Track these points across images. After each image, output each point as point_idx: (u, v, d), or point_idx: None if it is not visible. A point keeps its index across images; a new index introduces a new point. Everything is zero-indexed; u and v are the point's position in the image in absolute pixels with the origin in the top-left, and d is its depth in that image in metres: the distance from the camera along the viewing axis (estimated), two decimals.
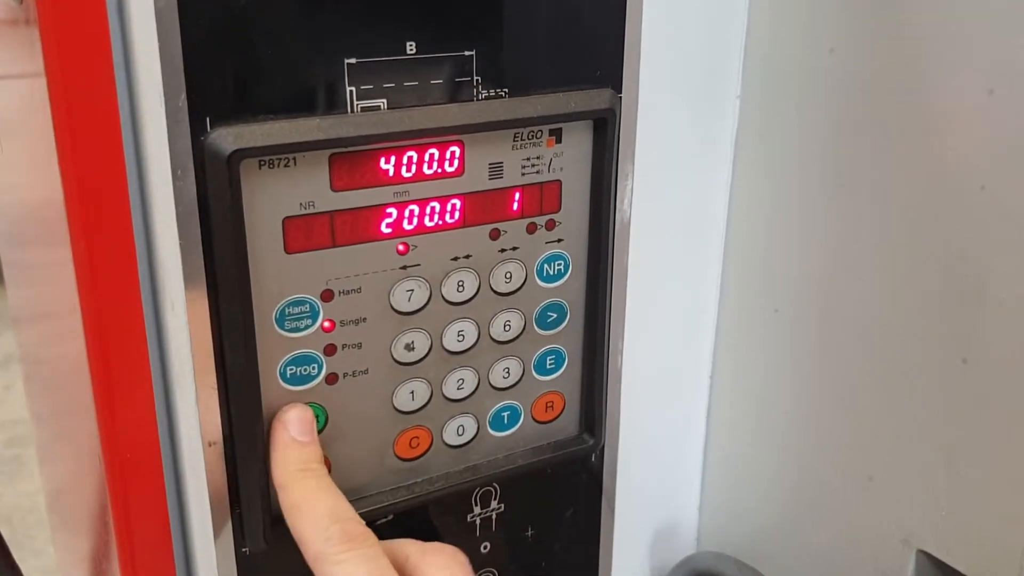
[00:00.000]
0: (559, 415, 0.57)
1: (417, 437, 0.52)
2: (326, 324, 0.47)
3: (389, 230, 0.48)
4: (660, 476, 0.64)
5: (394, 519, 0.53)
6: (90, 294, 0.42)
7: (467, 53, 0.47)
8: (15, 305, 0.84)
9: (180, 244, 0.43)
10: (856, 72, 0.49)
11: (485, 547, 0.57)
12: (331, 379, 0.49)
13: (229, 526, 0.48)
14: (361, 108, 0.45)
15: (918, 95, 0.46)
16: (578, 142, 0.52)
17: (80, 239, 0.41)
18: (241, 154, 0.42)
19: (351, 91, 0.44)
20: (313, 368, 0.48)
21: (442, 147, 0.48)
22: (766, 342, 0.58)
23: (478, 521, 0.56)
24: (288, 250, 0.45)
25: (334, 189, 0.46)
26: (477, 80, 0.47)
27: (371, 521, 0.52)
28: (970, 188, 0.44)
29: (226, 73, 0.41)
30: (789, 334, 0.56)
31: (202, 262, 0.43)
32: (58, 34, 0.39)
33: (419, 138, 0.46)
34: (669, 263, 0.59)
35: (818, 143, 0.52)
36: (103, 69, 0.40)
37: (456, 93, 0.47)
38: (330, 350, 0.48)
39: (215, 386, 0.45)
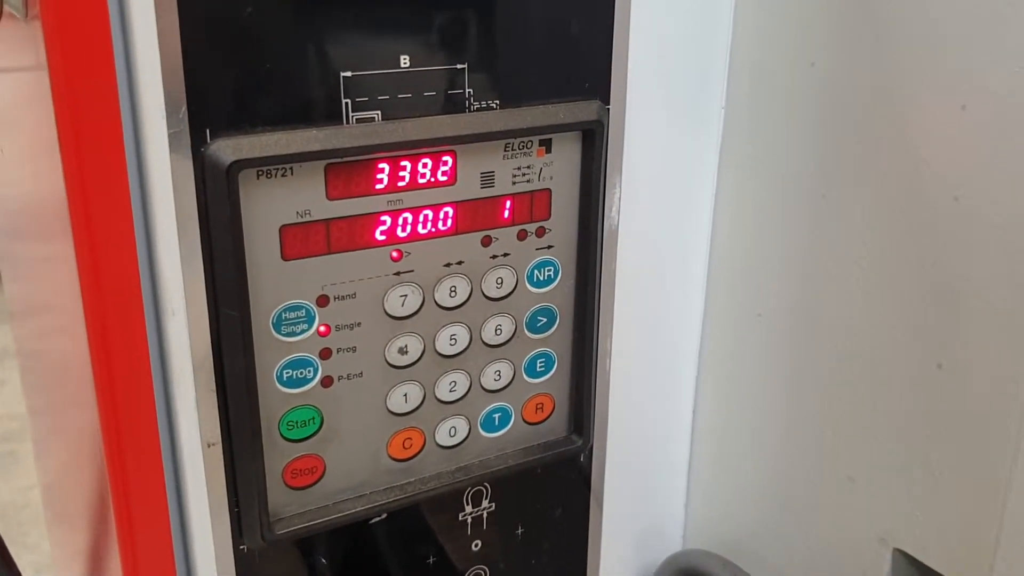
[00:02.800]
0: (549, 416, 0.58)
1: (410, 438, 0.54)
2: (322, 329, 0.49)
3: (383, 237, 0.49)
4: (646, 475, 0.66)
5: (387, 518, 0.54)
6: (93, 301, 0.44)
7: (459, 66, 0.48)
8: (12, 299, 0.85)
9: (180, 252, 0.44)
10: (836, 85, 0.50)
11: (476, 545, 0.59)
12: (326, 382, 0.50)
13: (228, 524, 0.49)
14: (356, 119, 0.46)
15: (895, 109, 0.47)
16: (568, 152, 0.53)
17: (84, 249, 0.43)
18: (240, 165, 0.43)
19: (347, 103, 0.46)
20: (309, 371, 0.49)
21: (435, 157, 0.49)
22: (749, 345, 0.59)
23: (469, 520, 0.58)
24: (285, 257, 0.47)
25: (330, 198, 0.47)
26: (469, 92, 0.49)
27: (365, 520, 0.53)
28: (944, 199, 0.46)
29: (226, 86, 0.43)
30: (772, 338, 0.58)
31: (202, 269, 0.45)
32: (62, 47, 0.40)
33: (412, 149, 0.48)
34: (656, 268, 0.60)
35: (800, 153, 0.54)
36: (106, 82, 0.41)
37: (449, 105, 0.48)
38: (325, 354, 0.49)
39: (214, 388, 0.47)
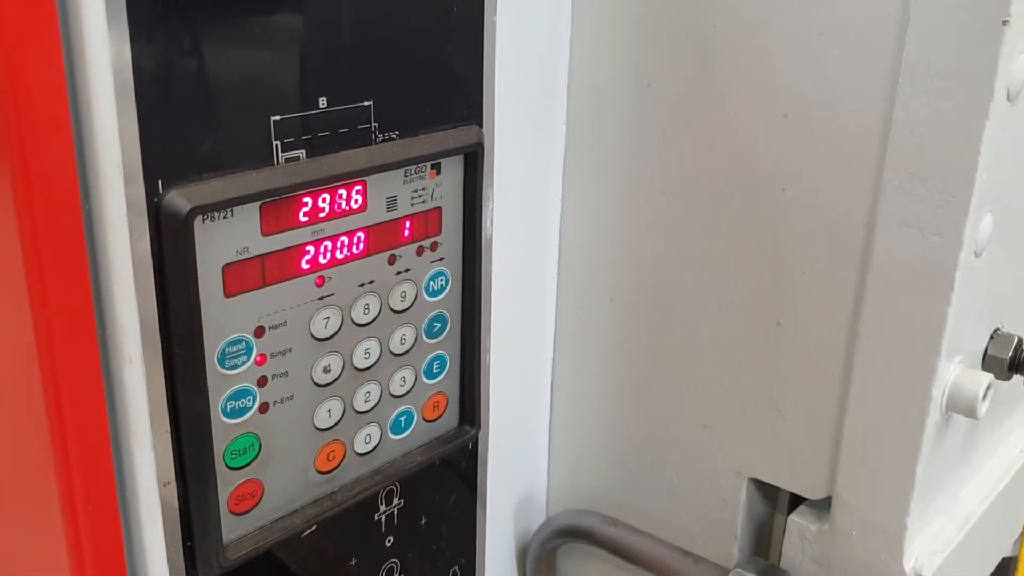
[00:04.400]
0: (444, 412, 0.64)
1: (334, 450, 0.57)
2: (259, 358, 0.51)
3: (308, 266, 0.52)
4: (516, 452, 0.73)
5: (317, 528, 0.57)
6: (47, 360, 0.44)
7: (366, 103, 0.52)
8: None
9: (137, 301, 0.45)
10: (672, 101, 0.60)
11: (389, 541, 0.63)
12: (263, 408, 0.52)
13: (181, 559, 0.51)
14: (285, 159, 0.49)
15: (727, 118, 0.58)
16: (453, 172, 0.59)
17: (39, 307, 0.43)
18: (196, 211, 0.45)
19: (276, 144, 0.49)
20: (249, 400, 0.51)
21: (349, 187, 0.53)
22: (602, 326, 0.68)
23: (383, 519, 0.62)
24: (227, 294, 0.49)
25: (264, 234, 0.49)
26: (375, 126, 0.53)
27: (299, 533, 0.56)
28: (774, 190, 0.57)
29: (175, 138, 0.44)
30: (624, 317, 0.67)
31: (156, 315, 0.46)
32: (18, 116, 0.40)
33: (336, 182, 0.51)
34: (518, 268, 0.67)
35: (641, 159, 0.63)
36: (64, 146, 0.41)
37: (359, 138, 0.52)
38: (262, 382, 0.52)
39: (168, 429, 0.48)
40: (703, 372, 0.64)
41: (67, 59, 0.40)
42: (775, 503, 0.67)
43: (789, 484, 0.62)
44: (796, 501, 0.65)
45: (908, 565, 0.58)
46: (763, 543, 0.68)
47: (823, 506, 0.62)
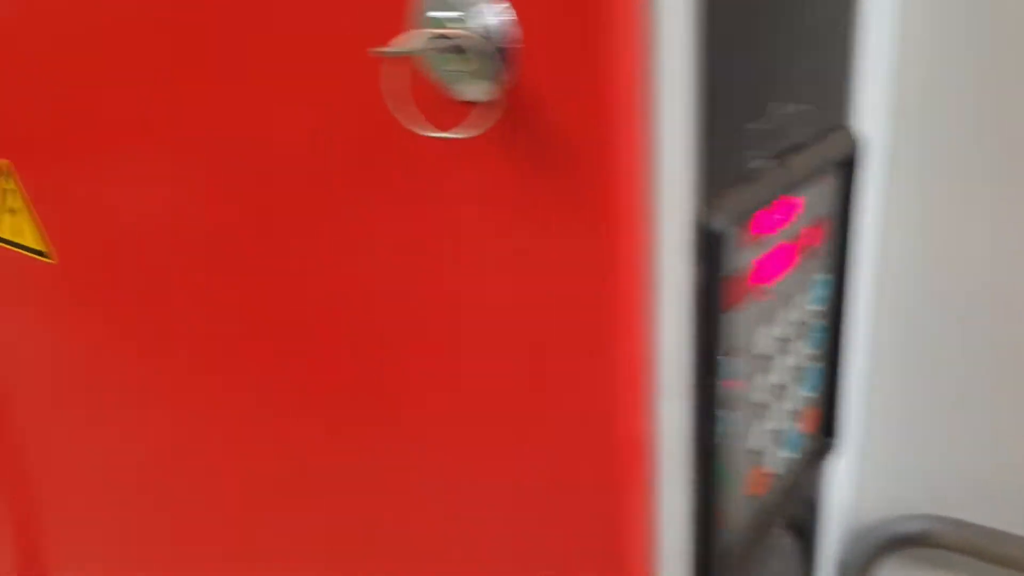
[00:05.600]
0: (814, 425, 0.63)
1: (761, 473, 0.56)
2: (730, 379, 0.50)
3: (764, 281, 0.51)
4: (846, 452, 0.71)
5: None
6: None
7: (807, 107, 0.52)
8: None
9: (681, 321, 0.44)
10: (1016, 88, 0.60)
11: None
12: None
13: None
14: (762, 168, 0.48)
15: None
16: (837, 180, 0.58)
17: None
18: (731, 227, 0.44)
19: (753, 154, 0.48)
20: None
21: (796, 196, 0.52)
22: (939, 333, 0.66)
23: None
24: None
25: (748, 246, 0.48)
26: (810, 132, 0.52)
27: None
28: None
29: (714, 151, 0.43)
30: (969, 321, 0.66)
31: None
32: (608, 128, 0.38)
33: (793, 190, 0.51)
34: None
35: (979, 151, 0.62)
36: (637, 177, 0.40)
37: (801, 145, 0.52)
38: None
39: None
40: None
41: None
42: None
43: None
44: None
45: None
46: None
47: None
